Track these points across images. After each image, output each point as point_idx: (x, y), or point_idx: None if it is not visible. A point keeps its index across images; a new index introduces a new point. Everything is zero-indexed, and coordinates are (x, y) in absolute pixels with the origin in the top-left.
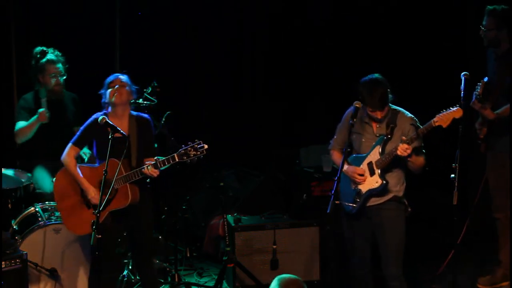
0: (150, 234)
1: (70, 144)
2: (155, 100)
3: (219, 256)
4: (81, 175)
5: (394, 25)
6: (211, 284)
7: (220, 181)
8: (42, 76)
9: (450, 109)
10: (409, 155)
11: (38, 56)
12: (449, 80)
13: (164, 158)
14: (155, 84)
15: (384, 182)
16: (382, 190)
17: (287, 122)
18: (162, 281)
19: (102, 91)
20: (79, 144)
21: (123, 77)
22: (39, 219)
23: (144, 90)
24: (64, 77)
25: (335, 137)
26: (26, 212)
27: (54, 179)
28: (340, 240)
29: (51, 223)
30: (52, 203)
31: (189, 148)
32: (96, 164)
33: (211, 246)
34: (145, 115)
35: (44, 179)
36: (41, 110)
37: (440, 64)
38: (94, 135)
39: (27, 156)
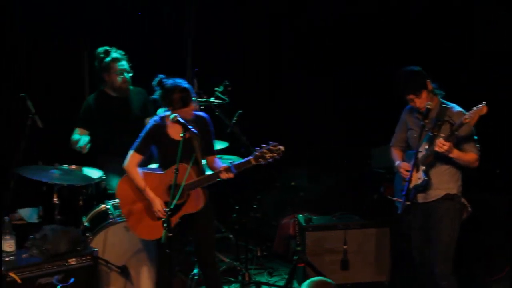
0: (213, 235)
1: (131, 151)
2: (227, 99)
3: (290, 256)
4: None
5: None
6: (281, 283)
7: (291, 180)
8: (107, 75)
9: (477, 106)
10: (449, 151)
11: (102, 55)
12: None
13: (240, 161)
14: (227, 83)
15: (426, 178)
16: (425, 186)
17: (359, 122)
18: (233, 279)
19: (157, 95)
20: (141, 151)
21: (190, 87)
22: (110, 216)
23: (216, 89)
24: (131, 74)
25: (394, 134)
26: (97, 209)
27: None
28: (410, 240)
29: (122, 220)
30: None
31: (265, 150)
32: (161, 171)
33: (281, 246)
34: (203, 114)
35: (115, 178)
36: (79, 145)
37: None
38: (154, 141)
39: (98, 154)
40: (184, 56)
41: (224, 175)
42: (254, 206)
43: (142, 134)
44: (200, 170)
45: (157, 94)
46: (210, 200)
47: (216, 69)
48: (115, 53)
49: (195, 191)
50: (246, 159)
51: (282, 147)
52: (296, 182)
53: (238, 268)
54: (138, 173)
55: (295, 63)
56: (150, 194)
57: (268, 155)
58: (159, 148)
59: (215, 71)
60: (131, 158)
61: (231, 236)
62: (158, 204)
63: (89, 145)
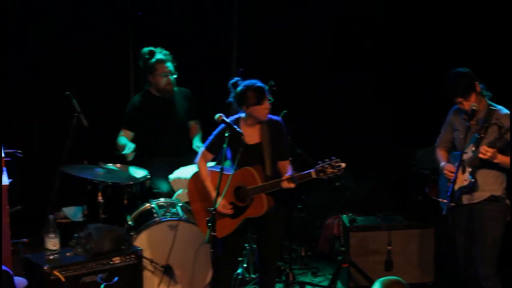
0: (280, 238)
1: (202, 149)
2: (272, 99)
3: (334, 256)
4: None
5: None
6: (325, 283)
7: (336, 181)
8: (152, 76)
9: None
10: (493, 157)
11: (147, 56)
12: None
13: (301, 173)
14: (272, 83)
15: (473, 180)
16: (472, 188)
17: (404, 123)
18: (277, 280)
19: (232, 96)
20: (211, 150)
21: (266, 87)
22: (155, 215)
23: None
24: (175, 76)
25: (440, 134)
26: (142, 208)
27: (170, 177)
28: (454, 241)
29: (166, 219)
30: (168, 199)
31: (326, 166)
32: (231, 171)
33: (326, 246)
34: (277, 118)
35: (160, 178)
36: (125, 152)
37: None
38: (224, 141)
39: (143, 153)
40: (229, 56)
41: (286, 184)
42: (299, 206)
43: (214, 133)
44: (265, 175)
45: (231, 96)
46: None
47: (261, 69)
48: (160, 54)
49: (258, 196)
50: (307, 171)
51: (343, 164)
52: (341, 182)
53: (282, 268)
54: (205, 171)
55: (339, 64)
56: (213, 193)
57: (329, 170)
58: (230, 149)
59: (260, 71)
60: (201, 155)
61: (280, 239)
62: (220, 204)
63: (134, 153)
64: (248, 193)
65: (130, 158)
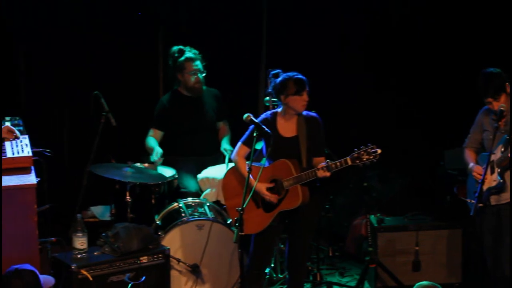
0: (310, 238)
1: (239, 143)
2: None
3: (361, 256)
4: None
5: None
6: (353, 284)
7: (364, 181)
8: (181, 74)
9: None
10: None
11: (176, 55)
12: None
13: (337, 160)
14: None
15: (501, 181)
16: (500, 189)
17: (432, 123)
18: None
19: (271, 87)
20: (248, 144)
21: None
22: (182, 214)
23: None
24: (204, 74)
25: (469, 135)
26: (170, 207)
27: (198, 177)
28: (482, 242)
29: (194, 219)
30: (195, 199)
31: (362, 152)
32: (266, 164)
33: (353, 246)
34: (314, 114)
35: (188, 177)
36: (154, 158)
37: None
38: (261, 135)
39: (171, 153)
40: (258, 56)
41: (321, 173)
42: (327, 206)
43: (251, 128)
44: (301, 168)
45: (271, 87)
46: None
47: (290, 69)
48: (189, 53)
49: (293, 188)
50: (342, 159)
51: (379, 150)
52: (369, 182)
53: (310, 268)
54: (244, 164)
55: (367, 64)
56: (253, 183)
57: (365, 157)
58: (267, 142)
59: (289, 71)
60: (239, 149)
61: (311, 238)
62: (263, 189)
63: (162, 158)
64: (284, 185)
65: (159, 164)
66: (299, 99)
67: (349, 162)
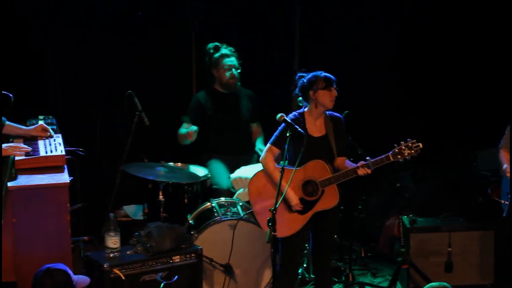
0: (334, 236)
1: (268, 145)
2: None
3: (394, 257)
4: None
5: None
6: (385, 284)
7: (396, 182)
8: (216, 70)
9: None
10: None
11: (212, 51)
12: None
13: (377, 157)
14: None
15: None
16: None
17: (466, 124)
18: (336, 280)
19: (299, 86)
20: (278, 145)
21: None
22: (215, 214)
23: None
24: (239, 71)
25: (504, 135)
26: (202, 207)
27: (231, 177)
28: None
29: (227, 218)
30: (228, 198)
31: (403, 147)
32: (294, 167)
33: (386, 247)
34: (338, 114)
35: (220, 175)
36: (186, 130)
37: None
38: (294, 135)
39: (203, 151)
40: (291, 56)
41: (362, 171)
42: (359, 207)
43: (280, 128)
44: (332, 167)
45: (297, 88)
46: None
47: (323, 69)
48: (224, 49)
49: (330, 187)
50: (384, 155)
51: (420, 144)
52: (401, 183)
53: (342, 268)
54: (274, 167)
55: (401, 64)
56: (284, 185)
57: (407, 152)
58: (296, 143)
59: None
60: (268, 151)
61: (335, 236)
62: (293, 198)
63: (196, 134)
64: (320, 185)
65: (193, 138)
66: (328, 94)
67: (391, 158)
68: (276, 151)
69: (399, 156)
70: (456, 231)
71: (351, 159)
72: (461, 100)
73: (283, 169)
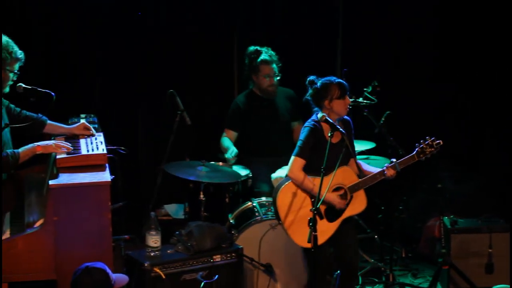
0: (357, 240)
1: (293, 157)
2: (375, 100)
3: (434, 258)
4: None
5: None
6: (425, 285)
7: (437, 182)
8: (255, 76)
9: None
10: None
11: (253, 56)
12: None
13: (403, 158)
14: (376, 84)
15: None
16: None
17: (507, 124)
18: (377, 280)
19: (311, 93)
20: (303, 156)
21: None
22: (256, 214)
23: (365, 89)
24: (278, 78)
25: None
26: (243, 206)
27: (272, 177)
28: None
29: (268, 218)
30: (269, 198)
31: (425, 146)
32: (321, 175)
33: (426, 247)
34: (346, 117)
35: (261, 178)
36: (230, 156)
37: None
38: (313, 144)
39: (245, 153)
40: (333, 56)
41: (390, 173)
42: (400, 207)
43: (302, 139)
44: (359, 171)
45: (308, 94)
46: None
47: (365, 69)
48: (265, 55)
49: (358, 192)
50: (408, 155)
51: (440, 141)
52: (442, 184)
53: (382, 268)
54: (304, 176)
55: (445, 64)
56: (314, 192)
57: (428, 150)
58: (317, 152)
59: (364, 71)
60: (294, 163)
61: (376, 236)
62: (334, 198)
63: (236, 158)
64: (349, 191)
65: (232, 162)
66: (343, 102)
67: (416, 158)
68: (302, 161)
69: (421, 155)
70: (497, 232)
71: (394, 159)
72: (503, 99)
73: (323, 169)
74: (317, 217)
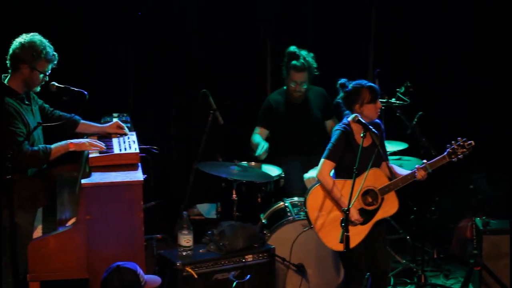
0: (387, 243)
1: (323, 160)
2: (408, 100)
3: (466, 259)
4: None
5: None
6: (457, 286)
7: (470, 183)
8: (286, 77)
9: None
10: None
11: (288, 57)
12: None
13: (434, 159)
14: (408, 84)
15: None
16: None
17: None
18: (409, 281)
19: (342, 97)
20: (333, 158)
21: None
22: (288, 214)
23: (397, 89)
24: (305, 86)
25: None
26: (276, 206)
27: (305, 176)
28: None
29: (300, 218)
30: (301, 198)
31: (456, 146)
32: (350, 178)
33: (458, 248)
34: (377, 120)
35: (294, 176)
36: (259, 152)
37: None
38: (344, 147)
39: (277, 152)
40: (365, 56)
41: (421, 174)
42: (432, 208)
43: (332, 141)
44: (390, 175)
45: (339, 97)
46: None
47: (398, 69)
48: (298, 61)
49: (389, 195)
50: (439, 156)
51: (472, 142)
52: (475, 185)
53: (414, 269)
54: (332, 182)
55: (478, 63)
56: (345, 202)
57: (460, 151)
58: (348, 154)
59: (397, 72)
60: (324, 166)
61: (408, 237)
62: (354, 213)
63: (267, 153)
64: (379, 193)
65: (263, 157)
66: (374, 107)
67: (447, 159)
68: (332, 164)
69: (453, 156)
70: None
71: (425, 160)
72: None
73: (355, 169)
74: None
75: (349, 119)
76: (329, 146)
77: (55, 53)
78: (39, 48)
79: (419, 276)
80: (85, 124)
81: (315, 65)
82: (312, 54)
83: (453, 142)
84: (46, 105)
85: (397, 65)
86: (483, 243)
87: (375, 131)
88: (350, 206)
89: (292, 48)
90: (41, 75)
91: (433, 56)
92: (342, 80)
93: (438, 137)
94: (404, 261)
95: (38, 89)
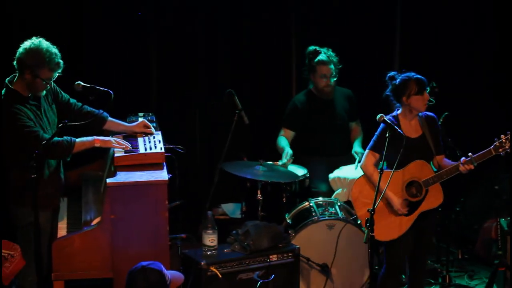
0: (433, 237)
1: (367, 151)
2: (433, 101)
3: (491, 259)
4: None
5: None
6: (481, 287)
7: (495, 184)
8: (313, 76)
9: None
10: None
11: (311, 56)
12: None
13: (479, 152)
14: (434, 85)
15: None
16: None
17: None
18: (433, 281)
19: (391, 89)
20: (376, 150)
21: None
22: (313, 214)
23: None
24: (335, 79)
25: None
26: (300, 206)
27: (330, 177)
28: None
29: (324, 218)
30: (326, 198)
31: (504, 140)
32: (393, 169)
33: (483, 249)
34: (431, 114)
35: (319, 177)
36: (285, 160)
37: None
38: (393, 137)
39: (303, 152)
40: (391, 56)
41: (465, 167)
42: (457, 209)
43: (377, 133)
44: (434, 167)
45: (388, 90)
46: None
47: (423, 69)
48: (323, 55)
49: (433, 186)
50: (485, 150)
51: None
52: (500, 185)
53: (439, 270)
54: (373, 171)
55: (504, 62)
56: (388, 193)
57: (508, 144)
58: (395, 146)
59: (422, 72)
60: (368, 157)
61: (432, 237)
62: (397, 203)
63: (292, 159)
64: (423, 185)
65: (288, 165)
66: (421, 98)
67: (493, 152)
68: (376, 155)
69: (500, 150)
70: None
71: (470, 153)
72: None
73: (382, 170)
74: (391, 212)
75: (400, 114)
76: (374, 137)
77: (60, 61)
78: (43, 56)
79: (443, 276)
80: (112, 122)
81: (336, 59)
82: (331, 49)
83: (502, 135)
84: (73, 100)
85: (422, 65)
86: (507, 243)
87: (400, 131)
88: (375, 207)
89: (312, 48)
90: (44, 82)
91: (459, 56)
92: (392, 73)
93: (464, 137)
94: (428, 261)
95: (44, 93)
